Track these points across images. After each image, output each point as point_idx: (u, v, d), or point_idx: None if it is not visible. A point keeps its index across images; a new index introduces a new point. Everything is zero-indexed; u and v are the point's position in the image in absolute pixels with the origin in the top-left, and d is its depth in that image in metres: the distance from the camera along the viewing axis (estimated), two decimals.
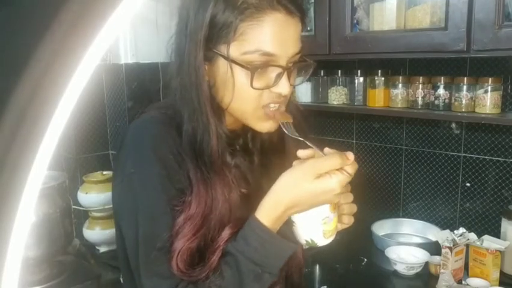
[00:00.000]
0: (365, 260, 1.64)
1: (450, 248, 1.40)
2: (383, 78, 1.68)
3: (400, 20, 1.54)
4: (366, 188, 1.93)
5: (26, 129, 0.24)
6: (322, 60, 1.62)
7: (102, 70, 2.15)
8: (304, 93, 1.90)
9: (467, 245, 1.45)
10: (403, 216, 1.88)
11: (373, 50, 1.55)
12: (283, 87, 0.75)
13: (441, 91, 1.54)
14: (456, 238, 1.42)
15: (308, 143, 0.76)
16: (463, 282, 1.42)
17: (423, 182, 1.81)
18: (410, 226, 1.82)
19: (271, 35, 0.72)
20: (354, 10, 1.62)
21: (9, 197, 0.25)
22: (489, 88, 1.44)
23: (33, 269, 1.40)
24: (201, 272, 0.74)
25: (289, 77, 0.77)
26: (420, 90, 1.58)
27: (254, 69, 0.72)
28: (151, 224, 0.76)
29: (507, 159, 1.58)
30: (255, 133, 0.87)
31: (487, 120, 1.46)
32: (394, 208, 1.92)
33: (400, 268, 1.50)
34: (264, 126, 0.80)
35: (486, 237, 1.46)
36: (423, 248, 1.57)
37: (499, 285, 1.39)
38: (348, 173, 0.72)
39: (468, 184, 1.69)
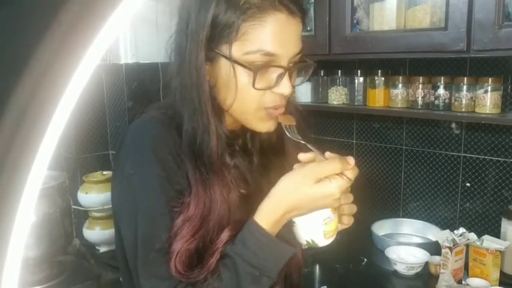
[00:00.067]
0: (365, 260, 1.64)
1: (450, 248, 1.40)
2: (383, 78, 1.68)
3: (400, 20, 1.54)
4: (366, 188, 1.93)
5: (26, 129, 0.24)
6: (322, 60, 1.62)
7: (102, 70, 2.15)
8: (304, 93, 1.90)
9: (467, 245, 1.45)
10: (403, 216, 1.88)
11: (373, 50, 1.55)
12: (284, 87, 0.75)
13: (441, 91, 1.54)
14: (456, 238, 1.42)
15: (310, 147, 0.76)
16: (463, 282, 1.42)
17: (423, 182, 1.81)
18: (410, 226, 1.82)
19: (273, 35, 0.72)
20: (354, 10, 1.62)
21: (9, 197, 0.25)
22: (489, 88, 1.44)
23: (33, 269, 1.40)
24: (199, 273, 0.74)
25: (290, 77, 0.77)
26: (420, 90, 1.58)
27: (256, 69, 0.72)
28: (150, 225, 0.75)
29: (507, 159, 1.58)
30: (254, 133, 0.87)
31: (487, 120, 1.46)
32: (394, 208, 1.92)
33: (400, 268, 1.50)
34: (264, 126, 0.80)
35: (486, 237, 1.46)
36: (423, 248, 1.57)
37: (499, 285, 1.39)
38: (349, 178, 0.72)
39: (468, 184, 1.69)
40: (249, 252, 0.73)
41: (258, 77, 0.73)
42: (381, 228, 1.79)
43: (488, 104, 1.44)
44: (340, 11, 1.61)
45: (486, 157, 1.63)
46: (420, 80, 1.58)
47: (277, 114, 0.79)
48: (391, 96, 1.66)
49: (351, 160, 0.73)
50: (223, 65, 0.74)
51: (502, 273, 1.43)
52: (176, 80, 0.79)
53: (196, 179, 0.76)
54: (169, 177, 0.76)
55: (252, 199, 0.80)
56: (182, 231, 0.74)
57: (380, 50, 1.54)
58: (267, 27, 0.71)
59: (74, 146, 2.07)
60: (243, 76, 0.74)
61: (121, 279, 0.93)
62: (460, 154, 1.70)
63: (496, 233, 1.54)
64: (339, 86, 1.86)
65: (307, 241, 0.79)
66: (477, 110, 1.47)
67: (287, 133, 0.78)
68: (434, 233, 1.62)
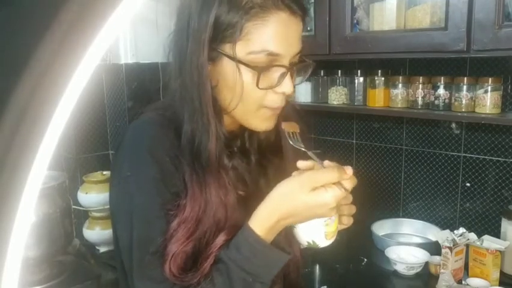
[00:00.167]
0: (365, 260, 1.64)
1: (450, 248, 1.40)
2: (383, 78, 1.68)
3: (400, 20, 1.54)
4: (366, 188, 1.93)
5: (26, 129, 0.24)
6: (322, 60, 1.62)
7: (102, 70, 2.14)
8: (304, 93, 1.90)
9: (467, 245, 1.45)
10: (403, 216, 1.88)
11: (373, 50, 1.55)
12: (287, 86, 0.75)
13: (441, 91, 1.54)
14: (456, 238, 1.42)
15: (310, 154, 0.76)
16: (463, 282, 1.42)
17: (423, 182, 1.81)
18: (410, 226, 1.82)
19: (276, 35, 0.72)
20: (354, 10, 1.62)
21: (9, 197, 0.25)
22: (489, 88, 1.44)
23: (33, 269, 1.40)
24: (193, 277, 0.74)
25: (291, 77, 0.77)
26: (420, 90, 1.58)
27: (261, 69, 0.72)
28: (146, 228, 0.75)
29: (507, 159, 1.58)
30: (252, 132, 0.86)
31: (487, 120, 1.46)
32: (394, 208, 1.92)
33: (400, 268, 1.50)
34: (263, 125, 0.80)
35: (486, 237, 1.46)
36: (423, 248, 1.57)
37: (499, 285, 1.39)
38: (345, 188, 0.72)
39: (468, 184, 1.69)
40: (242, 258, 0.73)
41: (261, 77, 0.73)
42: (381, 228, 1.79)
43: (488, 104, 1.44)
44: (340, 11, 1.61)
45: (486, 157, 1.63)
46: (420, 80, 1.58)
47: (276, 113, 0.79)
48: (391, 96, 1.66)
49: (349, 170, 0.72)
50: (226, 65, 0.74)
51: (502, 273, 1.43)
52: (176, 80, 0.78)
53: (193, 180, 0.76)
54: (165, 179, 0.75)
55: (250, 200, 0.80)
56: (178, 234, 0.74)
57: (380, 50, 1.54)
58: (269, 27, 0.71)
59: (74, 146, 2.07)
60: (247, 76, 0.73)
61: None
62: (460, 154, 1.70)
63: (496, 233, 1.54)
64: (339, 86, 1.86)
65: (308, 242, 0.79)
66: (477, 110, 1.47)
67: (290, 141, 0.78)
68: (434, 233, 1.62)
